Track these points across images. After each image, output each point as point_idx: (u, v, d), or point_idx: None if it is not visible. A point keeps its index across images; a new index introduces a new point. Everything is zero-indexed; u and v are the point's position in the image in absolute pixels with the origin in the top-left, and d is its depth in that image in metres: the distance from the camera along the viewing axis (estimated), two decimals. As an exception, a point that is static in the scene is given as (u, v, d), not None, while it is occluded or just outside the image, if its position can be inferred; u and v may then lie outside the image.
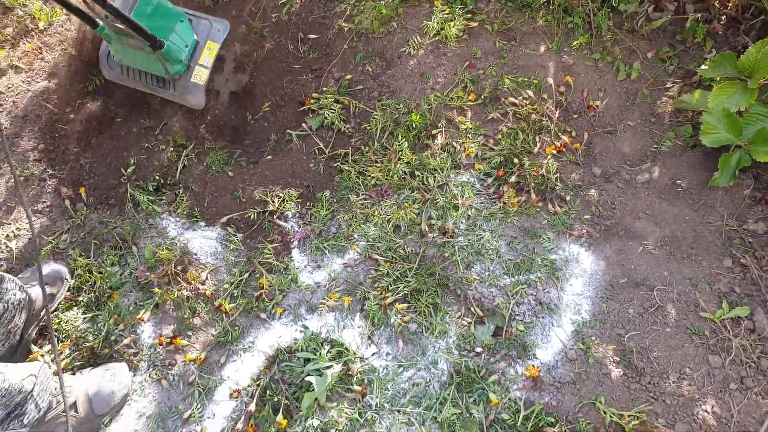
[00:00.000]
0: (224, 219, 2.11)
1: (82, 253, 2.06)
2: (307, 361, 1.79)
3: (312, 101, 2.29)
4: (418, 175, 2.10)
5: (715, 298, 1.81)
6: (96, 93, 2.32)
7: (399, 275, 1.94)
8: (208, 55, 2.14)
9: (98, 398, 1.74)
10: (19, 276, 1.92)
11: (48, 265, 1.94)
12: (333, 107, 2.24)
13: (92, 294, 2.00)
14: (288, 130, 2.25)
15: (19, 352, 1.81)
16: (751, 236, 1.90)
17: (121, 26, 1.78)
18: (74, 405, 1.71)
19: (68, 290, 1.96)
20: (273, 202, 2.12)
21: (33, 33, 2.55)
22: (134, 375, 1.85)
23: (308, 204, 2.14)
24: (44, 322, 1.88)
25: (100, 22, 1.89)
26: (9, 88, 2.42)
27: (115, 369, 1.80)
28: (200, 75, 2.14)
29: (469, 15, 2.38)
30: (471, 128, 2.20)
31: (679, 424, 1.62)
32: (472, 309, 1.87)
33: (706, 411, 1.64)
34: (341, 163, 2.18)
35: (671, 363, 1.71)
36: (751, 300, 1.78)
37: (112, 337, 1.89)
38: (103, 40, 2.16)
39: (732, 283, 1.82)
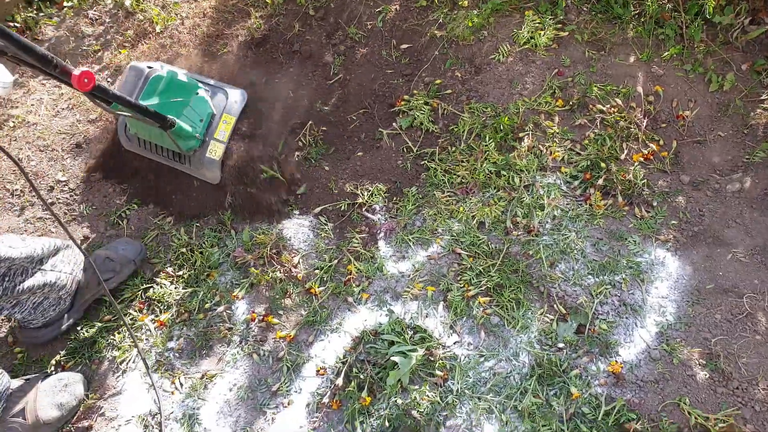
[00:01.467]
0: (318, 209, 2.28)
1: (186, 233, 2.26)
2: (392, 344, 1.90)
3: (402, 103, 2.44)
4: (504, 175, 2.20)
5: (810, 309, 1.80)
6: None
7: (482, 270, 2.04)
8: (224, 129, 2.14)
9: (45, 407, 1.77)
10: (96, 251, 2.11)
11: (128, 243, 2.13)
12: (422, 109, 2.38)
13: (192, 271, 2.19)
14: (379, 128, 2.40)
15: (70, 316, 1.99)
16: None
17: (123, 114, 1.80)
18: (23, 411, 1.73)
19: (140, 274, 2.16)
20: (362, 195, 2.26)
21: (150, 35, 2.83)
22: (227, 347, 2.01)
23: (395, 198, 2.27)
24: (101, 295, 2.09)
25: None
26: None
27: (68, 380, 1.84)
28: (215, 150, 2.14)
29: (560, 25, 2.49)
30: (558, 132, 2.29)
31: (768, 431, 1.63)
32: (555, 306, 1.94)
33: (797, 420, 1.64)
34: (428, 161, 2.31)
35: (761, 370, 1.72)
36: None
37: (207, 305, 2.07)
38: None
39: (828, 296, 1.82)
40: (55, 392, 1.81)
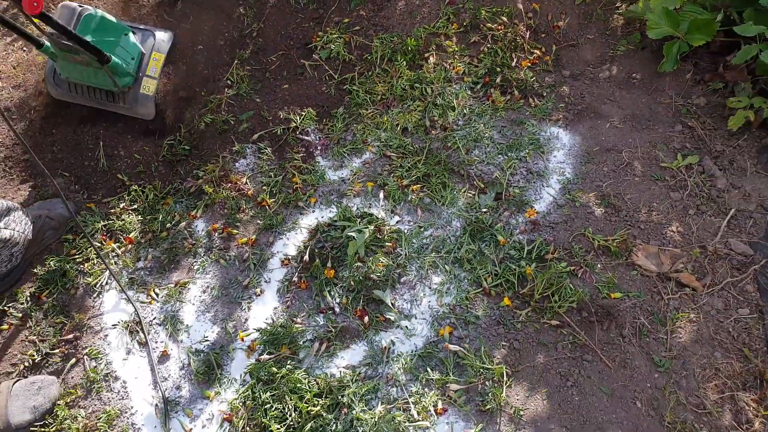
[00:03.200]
0: (255, 136, 2.59)
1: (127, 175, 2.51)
2: (344, 229, 2.26)
3: (317, 39, 2.81)
4: (418, 87, 2.63)
5: (671, 154, 2.37)
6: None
7: (410, 166, 2.44)
8: (154, 66, 2.29)
9: (16, 410, 1.84)
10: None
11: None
12: (336, 42, 2.77)
13: (146, 204, 2.44)
14: (301, 60, 2.75)
15: (18, 272, 2.19)
16: (695, 108, 2.48)
17: (69, 43, 1.91)
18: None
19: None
20: (295, 119, 2.61)
21: None
22: (194, 258, 2.28)
23: (324, 120, 2.64)
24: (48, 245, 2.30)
25: (45, 42, 2.03)
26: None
27: (41, 383, 1.89)
28: (149, 86, 2.29)
29: (446, -39, 2.96)
30: (457, 50, 2.75)
31: (652, 241, 2.15)
32: (475, 183, 2.38)
33: (672, 231, 2.17)
34: (350, 86, 2.69)
35: (641, 201, 2.25)
36: (699, 151, 2.35)
37: (168, 224, 2.33)
38: (48, 58, 2.28)
39: (683, 141, 2.39)
40: (28, 396, 1.86)
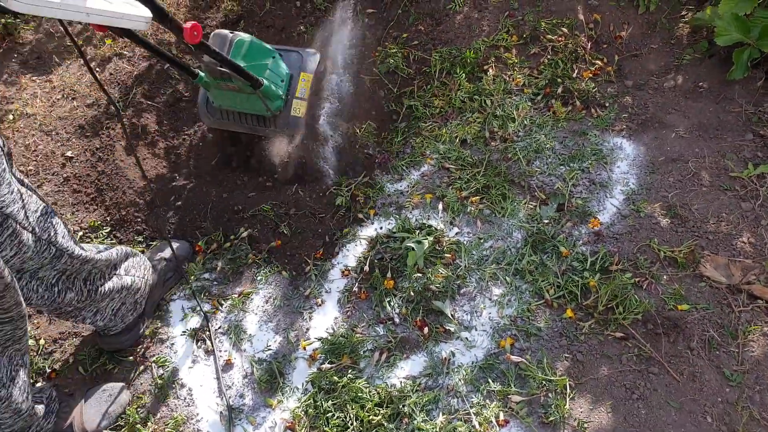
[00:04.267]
0: (315, 149, 2.74)
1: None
2: (403, 240, 2.37)
3: (377, 54, 2.96)
4: (477, 99, 2.73)
5: (742, 163, 2.38)
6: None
7: (469, 177, 2.54)
8: (303, 87, 2.35)
9: (91, 417, 1.96)
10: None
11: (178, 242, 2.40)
12: (396, 56, 2.91)
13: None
14: (361, 75, 2.91)
15: (145, 318, 2.23)
16: (767, 116, 2.49)
17: (224, 70, 2.00)
18: (71, 426, 1.91)
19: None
20: (357, 133, 2.75)
21: (130, 27, 3.27)
22: (257, 269, 2.44)
23: (383, 134, 2.77)
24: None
25: (200, 73, 2.12)
26: (117, 70, 3.13)
27: (111, 389, 2.02)
28: (299, 108, 2.36)
29: (504, -26, 3.08)
30: (517, 62, 2.85)
31: (722, 252, 2.17)
32: (536, 194, 2.45)
33: (743, 242, 2.18)
34: (408, 99, 2.82)
35: (710, 211, 2.27)
36: (771, 160, 2.35)
37: (231, 235, 2.50)
38: (199, 93, 2.48)
39: (755, 150, 2.40)
40: (101, 403, 1.99)
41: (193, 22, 1.64)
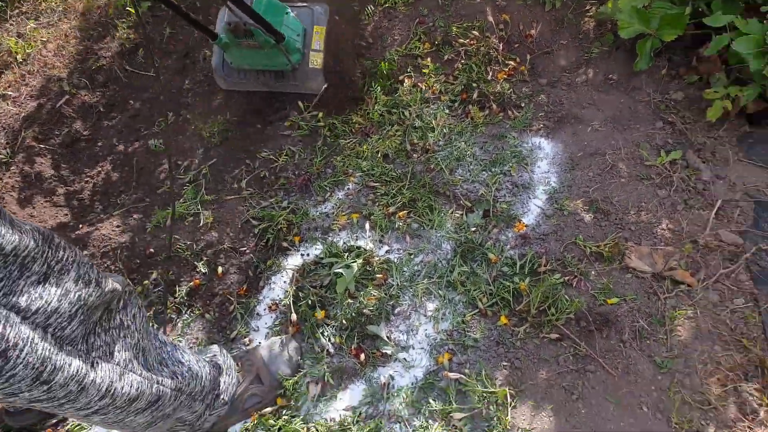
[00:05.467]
0: (243, 182, 2.80)
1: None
2: (332, 265, 2.45)
3: (288, 74, 3.03)
4: (395, 112, 2.85)
5: (655, 151, 2.57)
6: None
7: (395, 192, 2.64)
8: (318, 39, 2.56)
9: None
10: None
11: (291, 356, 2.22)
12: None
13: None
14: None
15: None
16: (673, 103, 2.69)
17: (252, 27, 2.19)
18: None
19: None
20: (276, 158, 2.82)
21: (13, 65, 3.25)
22: (177, 317, 2.47)
23: (301, 155, 2.85)
24: None
25: (220, 34, 2.31)
26: (1, 113, 3.09)
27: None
28: (316, 60, 2.57)
29: (410, -18, 3.21)
30: (432, 69, 2.98)
31: (644, 241, 2.34)
32: (461, 203, 2.58)
33: (663, 229, 2.36)
34: (325, 117, 2.91)
35: (630, 202, 2.44)
36: (681, 146, 2.55)
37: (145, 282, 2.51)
38: (213, 54, 2.68)
39: (665, 138, 2.60)
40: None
41: None
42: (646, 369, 2.00)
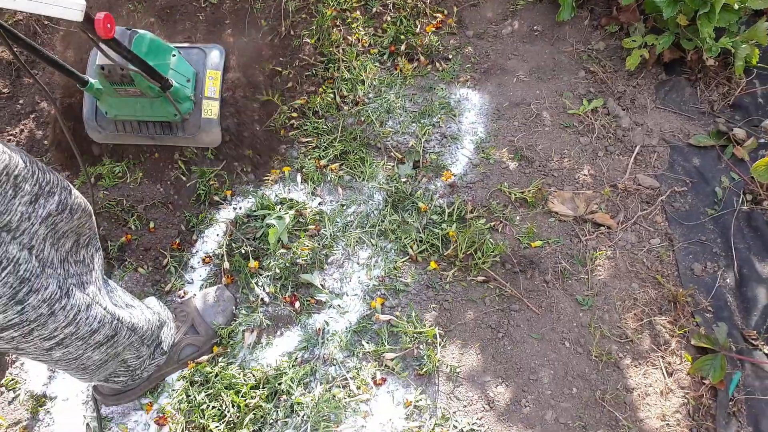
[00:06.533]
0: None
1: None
2: (264, 218, 2.33)
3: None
4: (330, 67, 2.70)
5: (578, 100, 2.52)
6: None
7: (326, 145, 2.53)
8: (213, 86, 2.16)
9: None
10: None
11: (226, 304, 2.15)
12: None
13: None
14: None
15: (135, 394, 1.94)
16: (595, 53, 2.64)
17: (125, 73, 1.81)
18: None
19: None
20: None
21: None
22: (114, 271, 2.31)
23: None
24: None
25: (90, 80, 1.91)
26: None
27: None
28: (210, 109, 2.16)
29: (338, -66, 3.03)
30: (361, 23, 2.84)
31: (567, 187, 2.30)
32: (392, 154, 2.48)
33: (584, 174, 2.33)
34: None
35: (553, 149, 2.39)
36: (602, 94, 2.51)
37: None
38: (84, 103, 2.22)
39: (587, 87, 2.55)
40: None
41: (105, 13, 1.41)
42: (568, 307, 1.98)
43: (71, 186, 1.45)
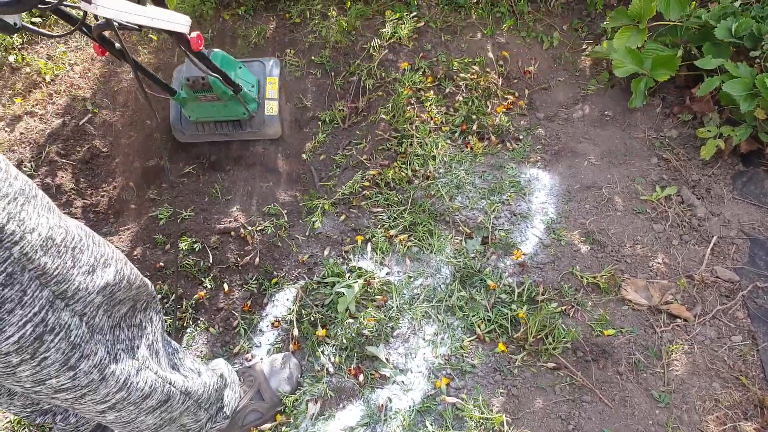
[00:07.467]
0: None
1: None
2: (333, 285, 2.25)
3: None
4: (403, 143, 2.67)
5: (650, 186, 2.40)
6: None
7: (396, 216, 2.46)
8: (272, 89, 2.51)
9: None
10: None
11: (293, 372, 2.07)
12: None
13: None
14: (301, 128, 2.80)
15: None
16: (668, 140, 2.53)
17: (206, 82, 2.18)
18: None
19: None
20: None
21: (41, 84, 3.07)
22: (184, 331, 2.26)
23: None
24: None
25: (178, 90, 2.29)
26: (28, 129, 2.91)
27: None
28: (272, 107, 2.52)
29: (416, 18, 3.06)
30: (434, 102, 2.81)
31: (640, 274, 2.15)
32: (460, 229, 2.39)
33: (658, 263, 2.18)
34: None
35: (625, 235, 2.26)
36: (676, 182, 2.38)
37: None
38: (171, 110, 2.57)
39: (660, 174, 2.43)
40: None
41: (198, 32, 1.72)
42: (643, 402, 1.80)
43: (126, 258, 1.45)
